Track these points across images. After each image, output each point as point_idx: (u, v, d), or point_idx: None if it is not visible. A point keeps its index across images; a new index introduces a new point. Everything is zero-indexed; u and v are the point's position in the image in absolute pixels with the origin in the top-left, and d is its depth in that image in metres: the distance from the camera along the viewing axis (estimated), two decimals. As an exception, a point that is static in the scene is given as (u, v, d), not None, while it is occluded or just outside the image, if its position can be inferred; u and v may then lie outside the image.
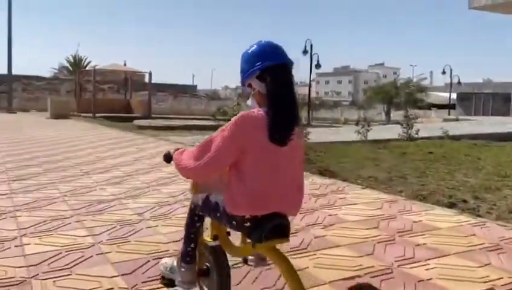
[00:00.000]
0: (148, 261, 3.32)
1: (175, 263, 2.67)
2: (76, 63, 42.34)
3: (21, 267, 3.19)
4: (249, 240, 2.23)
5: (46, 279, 2.99)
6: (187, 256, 2.50)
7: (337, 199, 5.22)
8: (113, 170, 7.12)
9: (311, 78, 31.70)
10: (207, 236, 2.54)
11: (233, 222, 2.18)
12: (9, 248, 3.57)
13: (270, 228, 2.09)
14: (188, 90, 57.05)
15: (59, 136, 12.75)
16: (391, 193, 5.69)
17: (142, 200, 5.14)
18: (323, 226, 4.21)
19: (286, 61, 2.14)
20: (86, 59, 42.41)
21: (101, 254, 3.46)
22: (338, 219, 4.44)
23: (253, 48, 2.17)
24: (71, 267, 3.18)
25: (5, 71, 30.43)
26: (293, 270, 2.06)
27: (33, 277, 3.03)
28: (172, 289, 2.77)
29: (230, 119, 2.12)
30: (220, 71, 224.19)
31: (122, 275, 3.06)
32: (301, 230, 4.07)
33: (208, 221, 2.51)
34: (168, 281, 2.82)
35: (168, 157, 2.41)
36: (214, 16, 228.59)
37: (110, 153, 9.18)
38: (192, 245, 2.50)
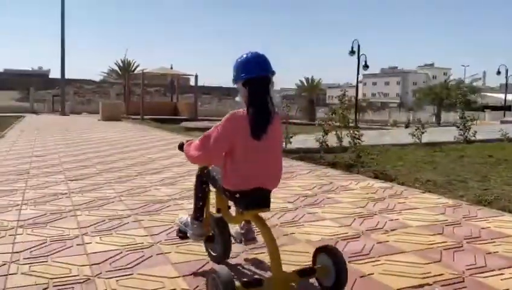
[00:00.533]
0: (208, 262, 3.28)
1: (189, 220, 3.24)
2: (125, 67, 43.51)
3: (84, 265, 3.23)
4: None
5: (109, 278, 3.00)
6: (197, 213, 3.15)
7: (396, 204, 5.02)
8: (165, 171, 7.20)
9: (358, 80, 31.17)
10: (213, 209, 3.12)
11: (227, 193, 2.82)
12: (71, 246, 3.64)
13: (253, 199, 2.72)
14: (232, 93, 57.75)
15: (111, 138, 13.09)
16: (452, 197, 5.42)
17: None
18: (385, 231, 4.05)
19: (265, 74, 2.71)
20: (134, 63, 43.55)
21: (161, 254, 3.46)
22: (400, 224, 4.26)
23: (242, 58, 2.74)
24: (132, 267, 3.19)
25: (58, 75, 31.71)
26: (270, 233, 2.68)
27: (97, 275, 3.05)
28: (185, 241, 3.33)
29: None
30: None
31: (184, 276, 3.04)
32: (362, 235, 3.93)
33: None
34: (183, 234, 3.30)
35: (181, 147, 3.02)
36: (258, 18, 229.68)
37: (162, 155, 9.32)
38: (200, 203, 3.14)
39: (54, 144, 11.27)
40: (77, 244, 3.67)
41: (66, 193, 5.54)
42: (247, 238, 3.15)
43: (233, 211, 3.11)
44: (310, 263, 2.92)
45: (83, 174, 6.86)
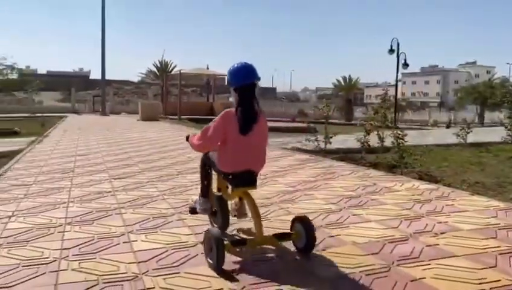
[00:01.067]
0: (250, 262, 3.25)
1: (197, 198, 4.00)
2: (163, 68, 44.23)
3: (131, 263, 3.26)
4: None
5: (156, 276, 3.02)
6: (203, 191, 3.88)
7: (444, 206, 4.85)
8: (205, 170, 7.21)
9: (397, 79, 30.51)
10: (215, 189, 3.83)
11: (222, 174, 3.55)
12: (118, 244, 3.68)
13: (242, 179, 3.42)
14: (267, 93, 57.70)
15: (150, 137, 13.30)
16: (503, 200, 5.20)
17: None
18: (434, 234, 3.91)
19: (251, 81, 3.35)
20: (171, 64, 44.24)
21: (206, 253, 3.45)
22: (449, 227, 4.10)
23: (234, 68, 3.39)
24: (179, 266, 3.20)
25: (98, 76, 32.52)
26: (255, 206, 3.38)
27: (144, 273, 3.07)
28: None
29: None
30: (299, 73, 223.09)
31: (230, 275, 3.01)
32: (410, 238, 3.80)
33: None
34: (193, 209, 4.02)
35: (187, 138, 3.74)
36: (293, 17, 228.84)
37: (200, 154, 9.35)
38: (205, 183, 3.85)
39: (96, 143, 11.55)
40: (124, 242, 3.71)
41: (110, 191, 5.64)
42: (240, 213, 3.86)
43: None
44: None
45: (125, 173, 6.98)
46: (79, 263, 3.25)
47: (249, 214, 3.60)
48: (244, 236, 3.75)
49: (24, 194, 5.48)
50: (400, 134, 7.30)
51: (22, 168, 7.42)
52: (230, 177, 3.45)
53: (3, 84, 19.13)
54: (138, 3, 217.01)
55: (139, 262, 3.27)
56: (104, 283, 2.92)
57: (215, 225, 3.94)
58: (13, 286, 2.87)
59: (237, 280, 2.94)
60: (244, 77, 3.35)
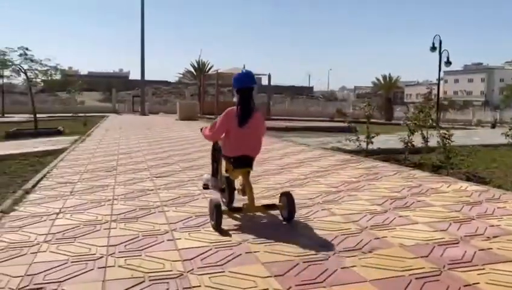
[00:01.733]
0: (298, 264, 3.20)
1: (209, 176, 4.88)
2: (200, 68, 44.66)
3: (176, 261, 3.26)
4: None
5: (202, 274, 3.01)
6: (214, 172, 4.78)
7: (496, 208, 4.64)
8: (245, 170, 7.20)
9: (439, 77, 29.65)
10: (224, 171, 4.67)
11: (226, 158, 4.44)
12: (162, 241, 3.70)
13: (241, 162, 4.29)
14: (304, 92, 57.40)
15: (189, 136, 13.43)
16: (559, 203, 4.93)
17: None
18: (486, 237, 3.74)
19: (249, 85, 4.32)
20: (208, 64, 44.59)
21: (250, 252, 3.43)
22: (502, 231, 3.92)
23: (237, 74, 4.43)
24: (223, 265, 3.18)
25: (137, 77, 33.17)
26: (249, 183, 4.31)
27: (189, 271, 3.07)
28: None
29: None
30: (337, 72, 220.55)
31: (275, 276, 2.98)
32: (460, 241, 3.65)
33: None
34: (206, 186, 4.92)
35: (201, 130, 4.77)
36: (331, 15, 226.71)
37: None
38: (215, 165, 4.74)
39: (137, 142, 11.77)
40: (168, 240, 3.73)
41: (152, 189, 5.71)
42: (244, 191, 4.49)
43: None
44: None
45: (166, 171, 7.06)
46: (125, 259, 3.29)
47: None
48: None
49: (70, 191, 5.62)
50: (446, 134, 7.06)
51: (67, 167, 7.63)
52: (232, 160, 4.37)
53: (47, 85, 19.75)
54: (176, 3, 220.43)
55: (184, 260, 3.27)
56: (151, 280, 2.93)
57: (224, 200, 4.64)
58: (63, 281, 2.93)
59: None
60: (243, 82, 4.35)
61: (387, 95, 30.28)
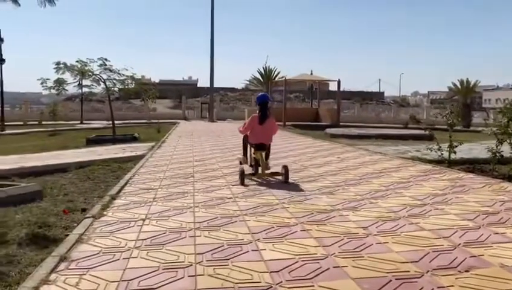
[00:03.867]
0: (390, 280, 3.07)
1: (241, 156, 7.80)
2: (267, 74, 44.93)
3: (264, 272, 3.25)
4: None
5: (291, 287, 2.97)
6: (244, 153, 7.71)
7: None
8: (320, 180, 7.11)
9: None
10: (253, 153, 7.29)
11: (250, 144, 7.46)
12: (247, 251, 3.71)
13: (258, 146, 7.19)
14: (374, 97, 55.83)
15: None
16: None
17: (362, 213, 4.93)
18: None
19: (265, 100, 7.43)
20: (275, 70, 44.79)
21: (338, 267, 3.34)
22: None
23: (259, 95, 7.69)
24: (312, 278, 3.12)
25: (205, 84, 33.91)
26: (262, 158, 7.17)
27: (278, 284, 3.04)
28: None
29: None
30: (409, 76, 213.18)
31: (369, 294, 2.87)
32: None
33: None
34: (240, 162, 7.58)
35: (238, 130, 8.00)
36: (401, 18, 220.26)
37: (313, 162, 9.29)
38: (245, 150, 7.69)
39: (209, 149, 12.02)
40: (252, 250, 3.73)
41: (231, 198, 5.76)
42: (266, 168, 7.17)
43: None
44: None
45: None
46: (213, 268, 3.32)
47: (271, 168, 7.44)
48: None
49: (153, 197, 5.81)
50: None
51: (147, 173, 7.91)
52: (254, 146, 7.30)
53: (123, 93, 20.69)
54: (241, 11, 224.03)
55: (271, 272, 3.25)
56: (241, 291, 2.93)
57: (252, 172, 7.35)
58: (157, 288, 3.00)
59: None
60: (261, 99, 7.45)
61: (464, 101, 28.61)
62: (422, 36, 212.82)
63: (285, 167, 6.91)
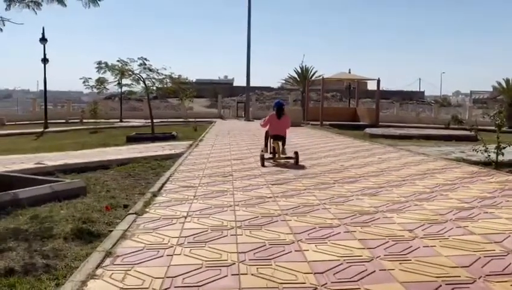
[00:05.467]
0: (440, 286, 2.96)
1: (263, 146, 9.70)
2: (303, 74, 44.66)
3: (308, 273, 3.20)
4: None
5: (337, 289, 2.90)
6: (266, 143, 9.65)
7: None
8: (362, 180, 6.98)
9: None
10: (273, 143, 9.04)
11: (270, 136, 9.51)
12: (290, 252, 3.67)
13: (276, 137, 9.32)
14: (414, 97, 54.57)
15: (297, 143, 13.36)
16: None
17: (407, 215, 4.80)
18: None
19: (280, 105, 9.71)
20: (312, 69, 44.45)
21: (384, 270, 3.25)
22: None
23: (276, 101, 10.60)
24: (358, 281, 3.05)
25: (241, 83, 33.95)
26: (278, 146, 9.25)
27: (323, 285, 2.99)
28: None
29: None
30: (450, 75, 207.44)
31: (418, 299, 2.77)
32: None
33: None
34: (262, 151, 9.32)
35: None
36: (442, 16, 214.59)
37: (353, 163, 9.14)
38: (265, 141, 9.63)
39: (246, 148, 12.02)
40: (295, 251, 3.68)
41: (270, 197, 5.72)
42: (283, 154, 9.26)
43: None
44: None
45: (280, 179, 7.07)
46: (257, 268, 3.29)
47: (287, 153, 9.26)
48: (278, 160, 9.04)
49: (193, 195, 5.84)
50: None
51: (186, 171, 7.98)
52: (272, 137, 9.23)
53: (161, 92, 20.97)
54: (278, 10, 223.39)
55: (315, 273, 3.19)
56: (286, 291, 2.89)
57: (270, 156, 9.21)
58: (201, 285, 3.00)
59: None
60: (277, 105, 9.67)
61: (509, 101, 27.46)
62: (464, 34, 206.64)
63: (296, 153, 8.96)
